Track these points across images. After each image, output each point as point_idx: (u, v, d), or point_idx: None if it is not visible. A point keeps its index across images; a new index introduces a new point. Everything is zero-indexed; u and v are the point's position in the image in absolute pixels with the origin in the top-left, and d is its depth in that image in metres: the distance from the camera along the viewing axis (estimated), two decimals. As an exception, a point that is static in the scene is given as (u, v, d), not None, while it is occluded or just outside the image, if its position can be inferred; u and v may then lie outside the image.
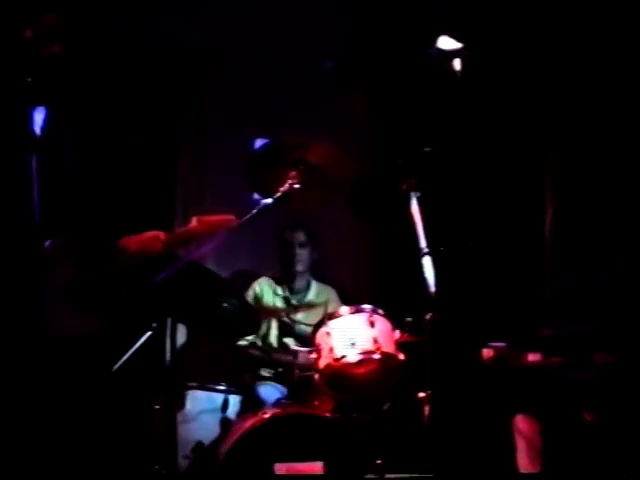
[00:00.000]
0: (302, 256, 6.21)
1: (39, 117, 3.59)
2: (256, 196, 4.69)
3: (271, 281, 6.28)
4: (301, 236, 6.21)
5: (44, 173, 3.40)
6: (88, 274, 3.79)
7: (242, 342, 5.95)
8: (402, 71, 6.52)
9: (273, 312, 6.16)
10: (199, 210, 6.21)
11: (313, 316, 5.94)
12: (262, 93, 6.90)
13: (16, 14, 3.46)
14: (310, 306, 6.18)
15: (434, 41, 4.71)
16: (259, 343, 6.06)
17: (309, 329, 5.47)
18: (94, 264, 3.66)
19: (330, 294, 6.27)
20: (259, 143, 5.34)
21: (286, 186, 4.54)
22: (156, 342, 4.59)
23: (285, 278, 6.28)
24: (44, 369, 3.33)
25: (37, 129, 3.56)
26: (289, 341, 6.05)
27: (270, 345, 6.08)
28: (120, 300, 4.03)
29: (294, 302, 6.21)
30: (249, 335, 5.75)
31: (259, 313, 5.48)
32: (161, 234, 4.07)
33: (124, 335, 4.58)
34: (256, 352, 5.91)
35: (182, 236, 4.19)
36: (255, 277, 6.33)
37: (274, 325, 6.14)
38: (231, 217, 4.12)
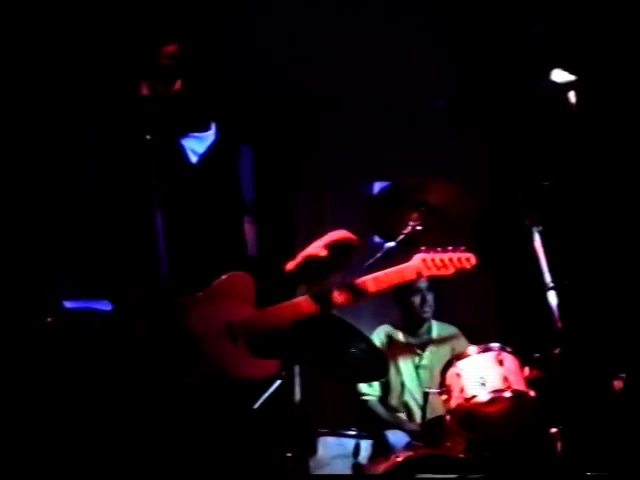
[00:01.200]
0: (429, 302, 6.12)
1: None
2: (378, 240, 4.68)
3: (391, 328, 6.21)
4: (423, 282, 6.07)
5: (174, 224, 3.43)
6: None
7: (367, 396, 5.97)
8: (516, 105, 6.47)
9: (395, 359, 6.09)
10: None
11: (438, 356, 5.89)
12: (376, 136, 6.91)
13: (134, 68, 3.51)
14: (434, 347, 6.10)
15: (547, 74, 4.66)
16: (379, 393, 6.03)
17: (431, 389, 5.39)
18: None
19: (453, 332, 6.19)
20: (378, 187, 5.35)
21: (408, 228, 4.53)
22: (285, 389, 4.59)
23: (409, 324, 6.20)
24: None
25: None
26: (409, 399, 6.00)
27: (392, 406, 6.04)
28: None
29: (417, 347, 6.14)
30: (378, 379, 5.72)
31: (387, 357, 5.44)
32: None
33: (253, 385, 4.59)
34: (380, 411, 5.93)
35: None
36: (377, 323, 6.29)
37: (394, 373, 6.05)
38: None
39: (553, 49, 5.99)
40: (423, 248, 3.67)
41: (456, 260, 3.65)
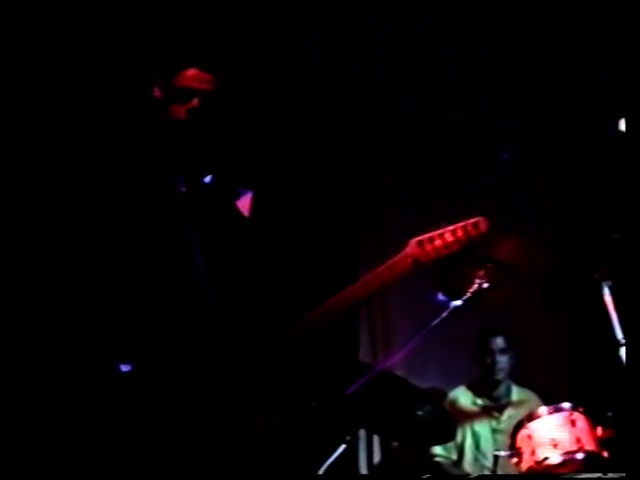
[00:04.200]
0: (502, 363, 5.93)
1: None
2: (442, 297, 4.55)
3: (468, 391, 6.04)
4: (501, 342, 5.92)
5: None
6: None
7: (439, 457, 5.83)
8: (584, 155, 6.35)
9: (471, 421, 5.94)
10: (384, 314, 6.14)
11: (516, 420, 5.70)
12: (440, 186, 6.81)
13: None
14: (512, 413, 5.89)
15: (615, 122, 4.54)
16: (454, 456, 5.88)
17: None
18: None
19: (532, 399, 5.98)
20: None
21: (475, 286, 4.38)
22: (351, 454, 4.49)
23: (484, 386, 6.03)
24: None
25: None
26: (484, 460, 5.82)
27: (466, 471, 5.85)
28: (311, 414, 3.93)
29: (494, 410, 5.96)
30: (444, 443, 5.57)
31: (454, 420, 5.29)
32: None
33: (317, 449, 4.49)
34: (454, 473, 5.77)
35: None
36: (445, 386, 6.16)
37: (469, 436, 5.90)
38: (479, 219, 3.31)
39: (622, 96, 5.85)
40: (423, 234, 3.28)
41: (461, 231, 3.24)
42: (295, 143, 6.42)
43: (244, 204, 3.46)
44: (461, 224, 3.23)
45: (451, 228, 3.23)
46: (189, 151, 3.28)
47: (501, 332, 5.93)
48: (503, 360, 5.93)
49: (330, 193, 6.61)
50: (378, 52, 6.40)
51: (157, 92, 3.33)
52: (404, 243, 6.41)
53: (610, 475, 4.30)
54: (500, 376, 5.94)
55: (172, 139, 3.26)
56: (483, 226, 3.25)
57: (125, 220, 3.20)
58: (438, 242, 3.21)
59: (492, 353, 5.92)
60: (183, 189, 3.27)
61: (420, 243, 3.24)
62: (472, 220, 3.25)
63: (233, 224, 3.40)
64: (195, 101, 3.24)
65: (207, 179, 3.39)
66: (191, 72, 3.28)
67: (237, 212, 3.43)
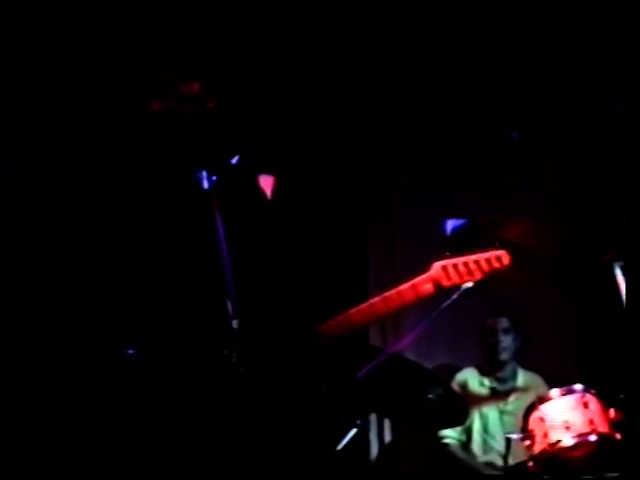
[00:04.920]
0: (505, 343, 5.98)
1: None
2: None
3: (476, 372, 6.07)
4: (504, 322, 5.99)
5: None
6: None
7: (448, 439, 5.85)
8: (592, 135, 6.31)
9: (479, 403, 5.93)
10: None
11: (523, 403, 5.67)
12: (447, 172, 6.79)
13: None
14: (518, 395, 5.91)
15: (622, 103, 4.52)
16: (463, 438, 5.90)
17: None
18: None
19: (538, 382, 6.00)
20: (452, 225, 5.19)
21: (483, 265, 4.36)
22: (362, 438, 4.48)
23: (490, 367, 6.05)
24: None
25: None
26: (492, 442, 5.83)
27: (474, 452, 5.89)
28: (321, 399, 3.90)
29: (501, 392, 5.97)
30: (456, 426, 5.56)
31: (466, 402, 5.28)
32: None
33: (328, 434, 4.47)
34: (461, 455, 5.82)
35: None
36: (454, 369, 6.17)
37: (477, 418, 5.91)
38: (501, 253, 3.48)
39: (628, 77, 5.82)
40: (447, 254, 3.44)
41: (484, 262, 3.41)
42: (301, 130, 6.40)
43: (267, 185, 3.47)
44: (485, 255, 3.40)
45: (475, 258, 3.39)
46: (208, 141, 3.29)
47: (505, 313, 5.98)
48: (506, 340, 5.98)
49: (337, 180, 6.59)
50: (383, 38, 6.37)
51: (155, 105, 3.33)
52: (411, 231, 6.47)
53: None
54: (503, 356, 5.97)
55: (188, 132, 3.29)
56: (506, 260, 3.43)
57: (149, 210, 3.24)
58: (462, 269, 3.37)
59: (495, 333, 5.97)
60: (207, 180, 3.26)
61: (444, 268, 3.38)
62: (496, 253, 3.42)
63: (258, 211, 3.41)
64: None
65: (234, 160, 3.39)
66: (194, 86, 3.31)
67: (261, 197, 3.45)
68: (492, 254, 3.40)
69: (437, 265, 3.39)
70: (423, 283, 3.36)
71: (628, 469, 3.80)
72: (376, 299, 3.35)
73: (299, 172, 6.15)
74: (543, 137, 6.84)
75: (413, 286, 3.35)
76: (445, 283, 3.36)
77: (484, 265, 3.38)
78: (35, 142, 4.72)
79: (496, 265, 3.39)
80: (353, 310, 3.33)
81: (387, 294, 3.34)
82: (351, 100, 6.55)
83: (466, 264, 3.37)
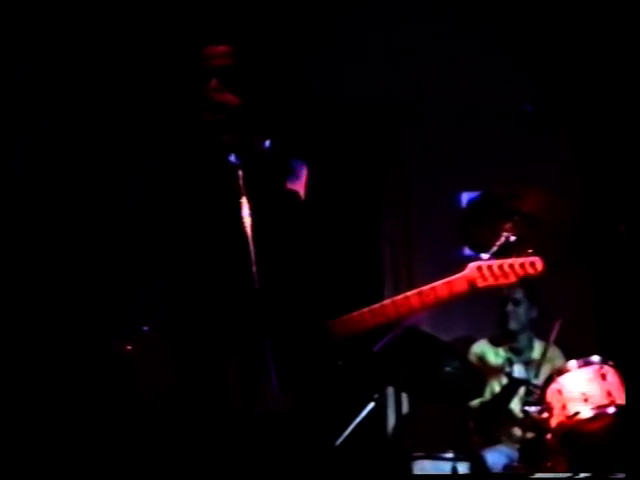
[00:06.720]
0: (515, 314, 5.92)
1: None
2: (468, 252, 4.51)
3: (488, 343, 6.02)
4: (518, 293, 5.90)
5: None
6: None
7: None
8: (606, 105, 6.26)
9: (496, 374, 5.87)
10: (408, 270, 6.08)
11: (539, 376, 5.63)
12: (462, 144, 6.76)
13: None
14: (535, 366, 5.76)
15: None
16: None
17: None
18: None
19: (556, 354, 5.89)
20: (467, 197, 5.17)
21: (502, 239, 4.32)
22: (379, 412, 4.46)
23: (504, 338, 6.00)
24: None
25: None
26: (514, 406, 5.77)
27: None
28: (337, 373, 3.88)
29: (518, 363, 5.87)
30: (474, 399, 5.52)
31: (483, 374, 5.25)
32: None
33: (345, 409, 4.46)
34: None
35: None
36: (471, 340, 6.12)
37: (497, 388, 5.83)
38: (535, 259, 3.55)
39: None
40: (484, 256, 3.55)
41: (518, 266, 3.49)
42: (315, 104, 6.37)
43: (300, 180, 3.47)
44: (520, 260, 3.49)
45: (510, 262, 3.48)
46: (235, 126, 3.29)
47: (521, 283, 5.87)
48: (518, 311, 5.92)
49: (353, 152, 6.56)
50: (395, 11, 6.33)
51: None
52: (427, 203, 6.45)
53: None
54: (513, 326, 5.92)
55: (214, 121, 3.27)
56: (539, 266, 3.51)
57: (177, 187, 3.25)
58: (496, 272, 3.45)
59: (506, 302, 5.91)
60: (236, 163, 3.26)
61: (479, 268, 3.44)
62: (530, 259, 3.50)
63: (286, 198, 3.40)
64: (213, 82, 3.26)
65: (266, 144, 3.40)
66: (206, 49, 3.30)
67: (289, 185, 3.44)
68: (526, 260, 3.50)
69: (472, 265, 3.45)
70: (458, 282, 3.42)
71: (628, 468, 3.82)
72: (411, 293, 3.38)
73: (319, 148, 6.16)
74: (557, 107, 6.80)
75: (448, 284, 3.41)
76: (480, 284, 3.42)
77: (518, 269, 3.47)
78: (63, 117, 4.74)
79: (530, 271, 3.49)
80: (388, 302, 3.38)
81: (421, 288, 3.38)
82: (367, 72, 6.54)
83: (501, 267, 3.46)
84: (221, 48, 3.30)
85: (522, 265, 3.48)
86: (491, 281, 3.43)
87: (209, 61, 3.29)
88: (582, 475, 4.52)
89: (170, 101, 3.53)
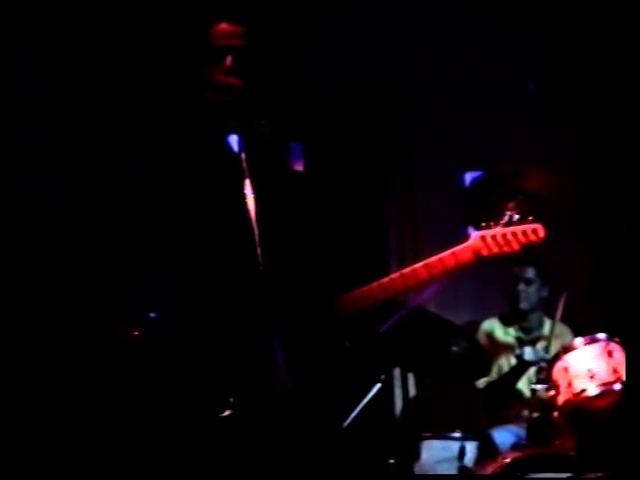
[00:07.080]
0: (526, 293, 5.90)
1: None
2: (472, 231, 4.51)
3: (500, 322, 6.01)
4: (529, 272, 5.88)
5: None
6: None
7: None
8: (610, 84, 6.24)
9: (505, 352, 5.89)
10: (414, 250, 6.08)
11: (549, 352, 5.64)
12: (465, 123, 6.75)
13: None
14: (545, 345, 5.75)
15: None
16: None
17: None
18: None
19: (564, 331, 5.89)
20: (471, 176, 5.16)
21: (505, 218, 4.32)
22: (386, 393, 4.46)
23: (514, 317, 5.98)
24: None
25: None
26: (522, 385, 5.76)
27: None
28: (344, 354, 3.89)
29: (527, 342, 5.87)
30: (481, 378, 5.53)
31: (490, 353, 5.25)
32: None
33: (352, 390, 4.46)
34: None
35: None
36: (477, 324, 6.10)
37: (505, 368, 5.84)
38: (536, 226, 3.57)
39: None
40: (484, 224, 3.54)
41: (521, 234, 3.52)
42: (320, 86, 6.36)
43: (298, 159, 3.48)
44: (522, 228, 3.52)
45: (512, 229, 3.51)
46: (238, 109, 3.30)
47: (533, 262, 5.87)
48: (527, 290, 5.90)
49: (356, 133, 6.56)
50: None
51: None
52: (431, 183, 6.44)
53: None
54: (523, 305, 5.90)
55: (217, 102, 3.28)
56: (542, 233, 3.54)
57: (179, 170, 3.27)
58: (500, 240, 3.49)
59: (518, 281, 5.89)
60: (237, 148, 3.30)
61: (483, 238, 3.48)
62: (532, 226, 3.53)
63: (288, 180, 3.41)
64: (229, 60, 3.26)
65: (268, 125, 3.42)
66: (221, 28, 3.31)
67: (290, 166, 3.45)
68: (528, 227, 3.52)
69: (476, 235, 3.51)
70: (464, 251, 3.48)
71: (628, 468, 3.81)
72: (419, 265, 3.43)
73: (324, 132, 6.15)
74: (561, 87, 6.79)
75: (454, 254, 3.46)
76: (485, 253, 3.46)
77: (521, 237, 3.50)
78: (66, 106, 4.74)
79: (532, 237, 3.51)
80: (395, 275, 3.43)
81: (428, 260, 3.43)
82: (371, 54, 6.52)
83: (504, 235, 3.49)
84: (237, 28, 3.31)
85: (524, 232, 3.51)
86: (495, 250, 3.46)
87: (224, 40, 3.29)
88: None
89: (172, 84, 3.54)
